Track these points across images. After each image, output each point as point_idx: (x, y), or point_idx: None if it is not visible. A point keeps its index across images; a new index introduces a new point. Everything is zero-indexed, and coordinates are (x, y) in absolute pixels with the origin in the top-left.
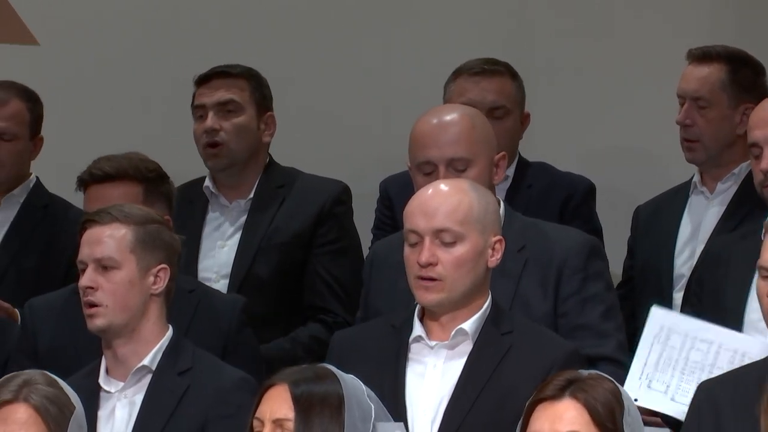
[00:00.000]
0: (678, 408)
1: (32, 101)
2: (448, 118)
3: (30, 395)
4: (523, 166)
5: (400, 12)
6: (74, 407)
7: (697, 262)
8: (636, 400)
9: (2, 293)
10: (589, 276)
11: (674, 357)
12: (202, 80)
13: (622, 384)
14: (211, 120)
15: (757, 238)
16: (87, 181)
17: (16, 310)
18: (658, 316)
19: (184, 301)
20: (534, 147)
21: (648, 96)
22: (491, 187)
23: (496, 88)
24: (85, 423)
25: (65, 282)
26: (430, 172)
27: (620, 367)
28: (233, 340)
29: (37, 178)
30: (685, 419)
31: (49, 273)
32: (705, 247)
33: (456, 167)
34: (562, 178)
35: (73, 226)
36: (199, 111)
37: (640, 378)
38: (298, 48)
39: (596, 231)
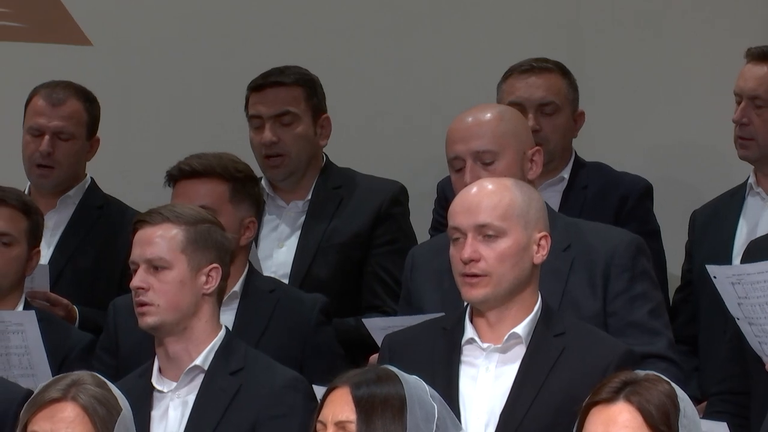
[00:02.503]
0: None
1: (89, 101)
2: (478, 114)
3: (78, 395)
4: (579, 166)
5: (458, 12)
6: (122, 409)
7: (742, 259)
8: None
9: (60, 291)
10: (636, 274)
11: None
12: (256, 89)
13: (677, 381)
14: (269, 132)
15: None
16: (175, 176)
17: (75, 307)
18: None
19: (264, 300)
20: (592, 146)
21: (707, 94)
22: (526, 182)
23: (545, 84)
24: (133, 426)
25: (121, 282)
26: (460, 168)
27: (673, 364)
28: (312, 340)
29: (92, 179)
30: None
31: (106, 273)
32: (747, 246)
33: (482, 160)
34: (618, 179)
35: (125, 227)
36: (255, 121)
37: None
38: (354, 48)
39: (654, 232)
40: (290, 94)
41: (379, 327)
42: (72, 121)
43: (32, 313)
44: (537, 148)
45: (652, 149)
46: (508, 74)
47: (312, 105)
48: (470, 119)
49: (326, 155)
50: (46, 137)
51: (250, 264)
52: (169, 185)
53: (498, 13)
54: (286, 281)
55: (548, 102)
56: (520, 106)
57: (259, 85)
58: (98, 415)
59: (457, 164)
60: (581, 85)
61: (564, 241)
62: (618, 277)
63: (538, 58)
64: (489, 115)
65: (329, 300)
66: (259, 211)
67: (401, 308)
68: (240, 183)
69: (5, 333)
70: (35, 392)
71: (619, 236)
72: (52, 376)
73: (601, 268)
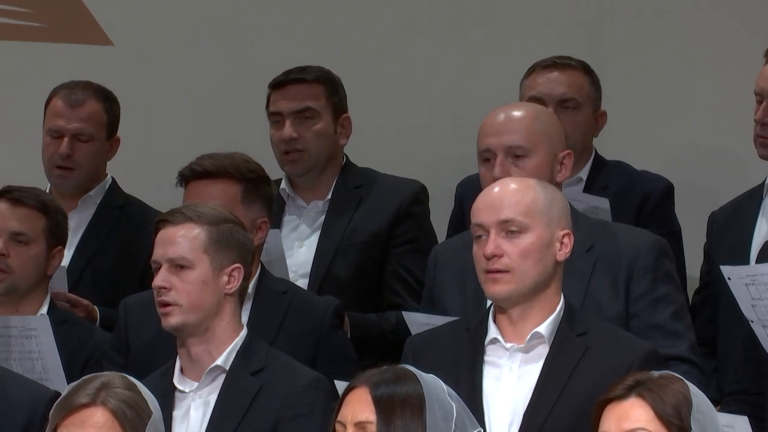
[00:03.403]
0: None
1: (109, 101)
2: (513, 110)
3: (108, 399)
4: (599, 165)
5: (476, 13)
6: (152, 412)
7: (756, 258)
8: None
9: (80, 292)
10: (659, 276)
11: None
12: (277, 86)
13: (699, 384)
14: (288, 128)
15: None
16: (187, 176)
17: (96, 307)
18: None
19: (276, 302)
20: (611, 147)
21: (724, 96)
22: (554, 183)
23: (567, 80)
24: (162, 428)
25: (141, 283)
26: (488, 158)
27: (695, 367)
28: (324, 343)
29: (113, 178)
30: None
31: (126, 274)
32: (763, 246)
33: (514, 154)
34: (639, 179)
35: (146, 226)
36: (275, 117)
37: None
38: (373, 48)
39: (675, 233)
40: (311, 91)
41: (419, 322)
42: (91, 122)
43: (45, 318)
44: (568, 151)
45: (669, 151)
46: (531, 70)
47: (333, 103)
48: (506, 114)
49: (346, 155)
50: (66, 139)
51: (262, 265)
52: (180, 186)
53: (518, 15)
54: (305, 281)
55: (569, 98)
56: (540, 101)
57: (281, 82)
58: (128, 419)
59: (485, 155)
60: (603, 86)
61: (587, 242)
62: (641, 279)
63: (561, 56)
64: (525, 112)
65: (341, 302)
66: (271, 211)
67: (424, 307)
68: (252, 183)
69: (18, 338)
70: (64, 393)
71: (642, 237)
72: (78, 377)
73: (624, 269)
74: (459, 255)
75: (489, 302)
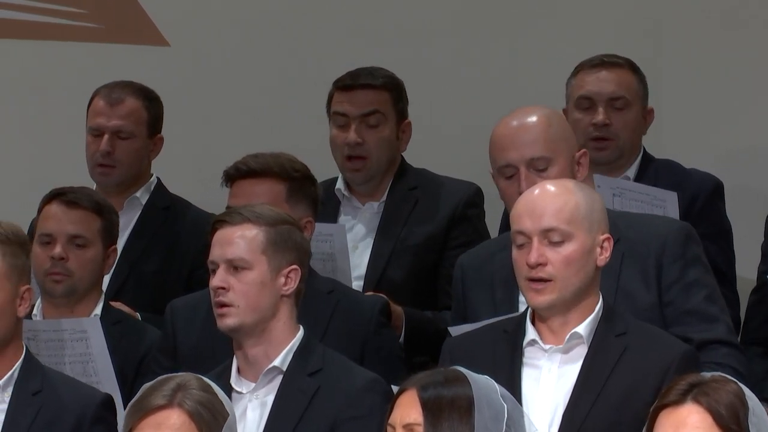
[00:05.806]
0: None
1: (149, 100)
2: (524, 119)
3: (184, 400)
4: (647, 163)
5: (528, 13)
6: (228, 414)
7: None
8: None
9: (125, 296)
10: (688, 262)
11: None
12: (345, 88)
13: (740, 364)
14: (353, 133)
15: None
16: (232, 175)
17: (137, 313)
18: None
19: (323, 302)
20: (666, 146)
21: None
22: None
23: (616, 78)
24: (237, 430)
25: (187, 284)
26: (511, 174)
27: (734, 348)
28: (371, 342)
29: (158, 179)
30: None
31: (171, 275)
32: None
33: (536, 167)
34: (687, 177)
35: (192, 227)
36: (339, 119)
37: None
38: (425, 50)
39: (725, 232)
40: (379, 97)
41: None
42: (130, 119)
43: (96, 319)
44: (584, 150)
45: (726, 151)
46: (578, 69)
47: (398, 109)
48: (517, 125)
49: (402, 156)
50: (106, 137)
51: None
52: (226, 185)
53: (575, 14)
54: (360, 283)
55: (618, 96)
56: (589, 101)
57: (348, 86)
58: (204, 420)
59: (507, 171)
60: (658, 85)
61: (613, 235)
62: (671, 266)
63: (609, 54)
64: (537, 119)
65: (388, 302)
66: (317, 211)
67: (454, 321)
68: (297, 183)
69: (70, 341)
70: (139, 395)
71: (666, 225)
72: (133, 376)
73: (653, 259)
74: (485, 266)
75: (520, 310)
